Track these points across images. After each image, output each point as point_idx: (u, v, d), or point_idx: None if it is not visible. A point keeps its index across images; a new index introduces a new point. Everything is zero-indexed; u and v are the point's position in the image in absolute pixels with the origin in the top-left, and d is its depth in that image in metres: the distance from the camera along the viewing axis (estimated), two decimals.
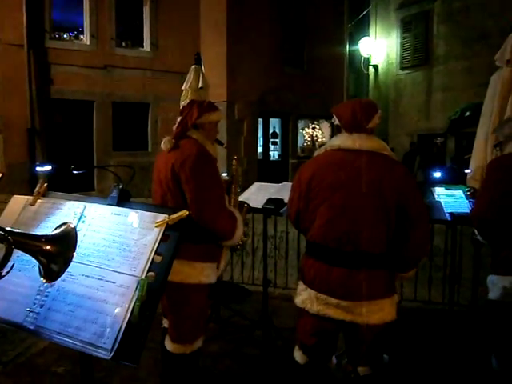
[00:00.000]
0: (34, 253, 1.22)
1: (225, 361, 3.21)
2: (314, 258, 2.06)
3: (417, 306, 4.23)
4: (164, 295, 2.26)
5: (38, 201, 1.66)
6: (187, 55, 5.99)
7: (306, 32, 13.07)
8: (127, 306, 1.30)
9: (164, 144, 2.30)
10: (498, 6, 10.92)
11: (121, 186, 1.56)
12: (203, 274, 2.27)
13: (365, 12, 15.52)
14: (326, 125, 14.07)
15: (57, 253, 1.23)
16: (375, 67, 15.23)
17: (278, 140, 13.44)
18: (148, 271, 1.34)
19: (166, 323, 2.47)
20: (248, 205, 2.80)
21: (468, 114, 11.12)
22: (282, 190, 3.39)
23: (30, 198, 1.67)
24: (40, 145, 10.21)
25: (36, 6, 9.90)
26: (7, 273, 1.21)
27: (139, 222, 1.46)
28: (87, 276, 1.40)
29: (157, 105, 11.55)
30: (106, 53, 10.90)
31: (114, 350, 1.25)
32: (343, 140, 2.06)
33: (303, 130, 14.04)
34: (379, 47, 14.93)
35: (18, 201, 1.71)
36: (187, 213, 1.43)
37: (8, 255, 1.17)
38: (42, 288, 1.42)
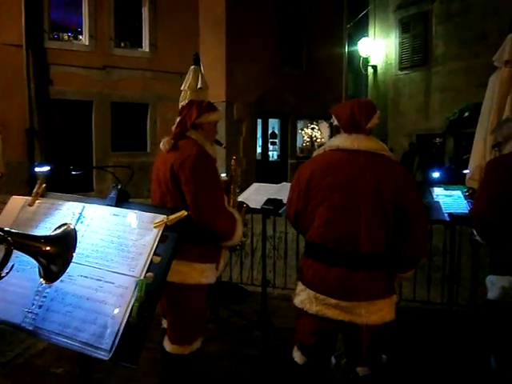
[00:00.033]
0: (34, 254, 1.22)
1: (223, 361, 3.21)
2: (313, 258, 2.06)
3: (416, 306, 4.23)
4: (163, 296, 2.26)
5: (37, 201, 1.66)
6: (186, 56, 5.99)
7: (305, 32, 13.08)
8: (126, 306, 1.29)
9: (163, 144, 2.29)
10: (496, 6, 10.93)
11: (119, 187, 1.56)
12: (203, 274, 2.27)
13: (364, 13, 15.56)
14: (325, 125, 14.08)
15: (56, 254, 1.23)
16: (374, 67, 15.25)
17: (276, 140, 13.44)
18: (147, 272, 1.34)
19: (165, 324, 2.47)
20: (247, 205, 2.80)
21: (467, 114, 11.14)
22: (281, 191, 3.39)
23: (29, 198, 1.67)
24: (39, 145, 10.21)
25: (35, 6, 9.90)
26: (7, 273, 1.21)
27: (138, 223, 1.45)
28: (86, 277, 1.40)
29: (156, 105, 11.55)
30: (105, 53, 10.90)
31: (113, 350, 1.25)
32: (342, 140, 2.06)
33: (302, 130, 14.04)
34: (378, 48, 14.95)
35: (16, 201, 1.71)
36: (186, 213, 1.43)
37: (7, 256, 1.17)
38: (40, 289, 1.42)
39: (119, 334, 1.26)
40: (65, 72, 10.33)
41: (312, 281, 2.03)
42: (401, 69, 14.17)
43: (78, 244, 1.30)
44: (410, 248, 2.02)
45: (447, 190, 3.43)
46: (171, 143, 2.27)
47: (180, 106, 3.25)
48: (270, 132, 13.26)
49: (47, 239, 1.24)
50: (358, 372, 2.10)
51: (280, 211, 3.18)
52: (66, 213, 1.57)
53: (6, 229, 1.21)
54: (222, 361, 3.21)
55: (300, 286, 2.11)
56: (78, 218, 1.54)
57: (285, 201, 2.65)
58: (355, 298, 1.95)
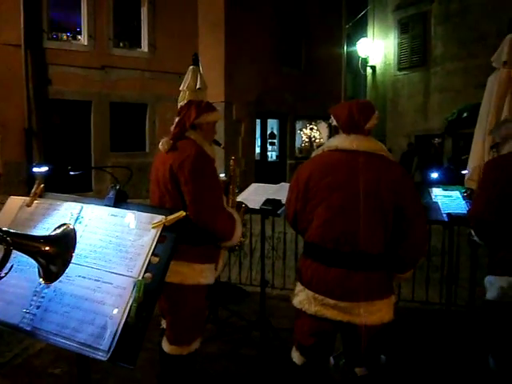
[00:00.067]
0: (33, 254, 1.22)
1: (222, 361, 3.21)
2: (312, 258, 2.06)
3: (414, 306, 4.23)
4: (162, 296, 2.26)
5: (35, 202, 1.66)
6: (185, 56, 5.98)
7: (304, 33, 13.09)
8: (124, 307, 1.29)
9: (162, 145, 2.29)
10: (495, 7, 10.95)
11: (118, 187, 1.56)
12: (202, 275, 2.27)
13: (362, 13, 15.57)
14: (323, 125, 14.09)
15: (56, 254, 1.23)
16: (373, 68, 15.27)
17: (275, 141, 13.45)
18: (145, 272, 1.34)
19: (164, 324, 2.47)
20: (246, 205, 2.80)
21: (465, 114, 11.16)
22: (280, 191, 3.39)
23: (27, 198, 1.67)
24: (37, 145, 10.19)
25: (34, 6, 9.88)
26: (6, 274, 1.21)
27: (136, 223, 1.45)
28: (84, 277, 1.39)
29: (155, 105, 11.54)
30: (104, 53, 10.89)
31: (111, 351, 1.24)
32: (341, 141, 2.06)
33: (301, 130, 14.05)
34: (377, 48, 14.97)
35: (14, 202, 1.70)
36: (184, 214, 1.42)
37: (7, 256, 1.17)
38: (38, 289, 1.42)
39: (117, 334, 1.26)
40: (63, 72, 10.32)
41: (311, 281, 2.03)
42: (399, 69, 14.19)
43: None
44: (409, 248, 2.03)
45: (446, 190, 3.43)
46: (170, 143, 2.26)
47: (179, 107, 3.25)
48: (268, 132, 13.27)
49: (47, 239, 1.24)
50: (357, 372, 2.10)
51: (279, 212, 3.18)
52: (64, 213, 1.57)
53: (4, 229, 1.20)
54: (220, 361, 3.21)
55: (299, 287, 2.11)
56: (77, 219, 1.54)
57: (283, 201, 2.66)
58: (354, 299, 1.95)
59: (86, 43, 10.76)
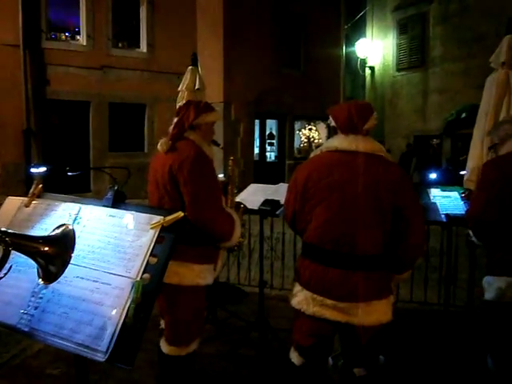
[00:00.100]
0: (32, 254, 1.22)
1: (221, 362, 3.21)
2: (310, 259, 2.06)
3: (413, 307, 4.23)
4: (161, 297, 2.25)
5: (33, 202, 1.66)
6: (184, 56, 5.98)
7: (303, 33, 13.10)
8: (122, 307, 1.29)
9: (161, 145, 2.29)
10: (493, 8, 10.97)
11: (116, 188, 1.56)
12: (200, 275, 2.27)
13: (361, 14, 15.58)
14: (322, 126, 14.10)
15: (55, 254, 1.23)
16: (372, 69, 15.28)
17: (274, 141, 13.46)
18: (143, 273, 1.34)
19: (163, 324, 2.46)
20: (244, 206, 2.80)
21: (464, 115, 11.18)
22: (279, 191, 3.39)
23: (25, 199, 1.67)
24: (36, 146, 10.17)
25: (32, 6, 9.87)
26: (5, 275, 1.21)
27: (134, 224, 1.45)
28: (82, 278, 1.39)
29: (153, 106, 11.53)
30: (103, 53, 10.88)
31: (109, 352, 1.24)
32: (340, 141, 2.06)
33: (300, 131, 14.06)
34: (376, 49, 14.98)
35: (12, 202, 1.70)
36: (182, 214, 1.42)
37: (5, 257, 1.16)
38: (36, 290, 1.41)
39: (115, 335, 1.25)
40: (62, 72, 10.31)
41: (309, 282, 2.03)
42: (398, 70, 14.20)
43: None
44: (407, 249, 2.03)
45: (444, 191, 3.44)
46: (169, 144, 2.26)
47: (177, 107, 3.24)
48: (267, 133, 13.28)
49: (46, 240, 1.24)
50: (355, 373, 2.10)
51: (277, 212, 3.18)
52: (63, 214, 1.57)
53: (3, 229, 1.20)
54: (219, 362, 3.20)
55: (297, 287, 2.11)
56: (75, 219, 1.53)
57: (282, 202, 2.65)
58: (352, 299, 1.95)
59: (84, 43, 10.76)
